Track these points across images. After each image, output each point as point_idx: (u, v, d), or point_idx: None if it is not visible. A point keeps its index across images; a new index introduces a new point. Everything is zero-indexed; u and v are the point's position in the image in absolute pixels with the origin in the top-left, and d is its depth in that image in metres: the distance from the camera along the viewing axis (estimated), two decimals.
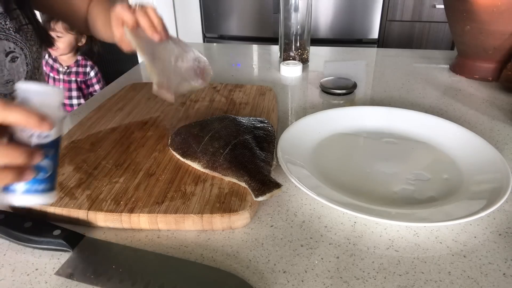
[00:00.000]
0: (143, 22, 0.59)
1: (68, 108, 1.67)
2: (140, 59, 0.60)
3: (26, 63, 0.71)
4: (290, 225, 0.46)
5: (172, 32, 2.54)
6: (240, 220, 0.45)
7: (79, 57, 1.64)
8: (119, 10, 0.59)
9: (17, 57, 0.69)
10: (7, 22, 0.68)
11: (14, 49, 0.68)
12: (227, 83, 0.84)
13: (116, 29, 0.61)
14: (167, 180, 0.51)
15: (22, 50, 0.70)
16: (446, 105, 0.78)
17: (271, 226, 0.46)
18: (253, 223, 0.46)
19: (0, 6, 0.67)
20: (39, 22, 0.75)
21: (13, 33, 0.68)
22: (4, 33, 0.67)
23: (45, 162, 0.37)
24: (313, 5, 1.16)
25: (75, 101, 1.71)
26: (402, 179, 0.54)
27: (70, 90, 1.66)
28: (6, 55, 0.67)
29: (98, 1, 0.78)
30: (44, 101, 0.36)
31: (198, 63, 0.69)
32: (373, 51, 1.17)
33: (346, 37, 2.11)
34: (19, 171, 0.36)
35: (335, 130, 0.65)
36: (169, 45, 0.65)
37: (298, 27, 0.96)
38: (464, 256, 0.42)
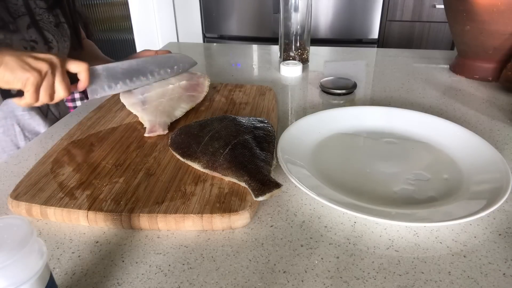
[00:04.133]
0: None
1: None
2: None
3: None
4: (290, 225, 0.46)
5: (172, 32, 2.55)
6: (240, 220, 0.45)
7: None
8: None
9: (53, 48, 0.78)
10: (50, 17, 0.78)
11: (52, 40, 0.77)
12: (227, 83, 0.84)
13: None
14: (167, 180, 0.51)
15: (57, 43, 0.79)
16: (446, 105, 0.78)
17: (271, 226, 0.46)
18: (253, 223, 0.46)
19: (44, 3, 0.77)
20: (75, 24, 0.85)
21: (53, 27, 0.78)
22: (46, 25, 0.77)
23: None
24: (313, 5, 1.16)
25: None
26: (402, 179, 0.54)
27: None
28: (45, 43, 0.76)
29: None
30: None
31: (192, 80, 0.76)
32: (373, 51, 1.17)
33: (346, 37, 2.11)
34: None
35: (335, 130, 0.65)
36: (163, 84, 0.75)
37: (298, 27, 0.96)
38: (464, 256, 0.42)
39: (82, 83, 0.62)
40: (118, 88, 0.70)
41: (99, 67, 0.67)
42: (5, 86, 0.55)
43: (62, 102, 0.90)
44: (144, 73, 0.72)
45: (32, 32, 0.73)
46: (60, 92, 0.58)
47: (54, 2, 0.79)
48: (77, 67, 0.61)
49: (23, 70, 0.54)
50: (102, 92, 0.68)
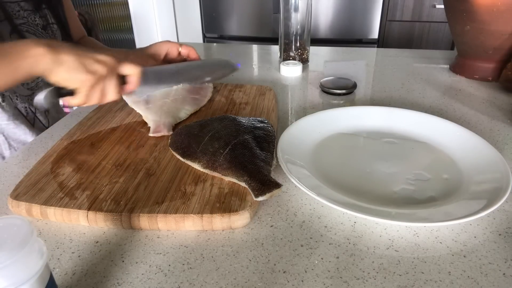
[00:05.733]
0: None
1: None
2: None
3: None
4: (290, 225, 0.46)
5: (172, 32, 2.55)
6: (240, 220, 0.45)
7: None
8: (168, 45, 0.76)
9: None
10: (36, 19, 0.75)
11: None
12: (227, 83, 0.84)
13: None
14: (167, 180, 0.51)
15: None
16: (446, 105, 0.78)
17: (271, 226, 0.46)
18: (253, 223, 0.46)
19: (30, 4, 0.74)
20: (65, 22, 0.83)
21: (40, 29, 0.76)
22: (32, 28, 0.74)
23: None
24: (313, 5, 1.16)
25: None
26: (402, 179, 0.54)
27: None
28: None
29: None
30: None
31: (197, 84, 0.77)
32: (373, 51, 1.17)
33: (346, 37, 2.11)
34: None
35: (335, 130, 0.65)
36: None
37: (298, 27, 0.96)
38: (464, 256, 0.42)
39: (131, 86, 0.60)
40: (161, 89, 0.72)
41: (149, 69, 0.65)
42: (61, 84, 0.54)
43: (52, 110, 0.88)
44: (188, 77, 0.72)
45: (15, 38, 0.70)
46: (111, 95, 0.57)
47: (38, 2, 0.76)
48: (130, 70, 0.59)
49: (80, 71, 0.53)
50: (146, 93, 0.70)
